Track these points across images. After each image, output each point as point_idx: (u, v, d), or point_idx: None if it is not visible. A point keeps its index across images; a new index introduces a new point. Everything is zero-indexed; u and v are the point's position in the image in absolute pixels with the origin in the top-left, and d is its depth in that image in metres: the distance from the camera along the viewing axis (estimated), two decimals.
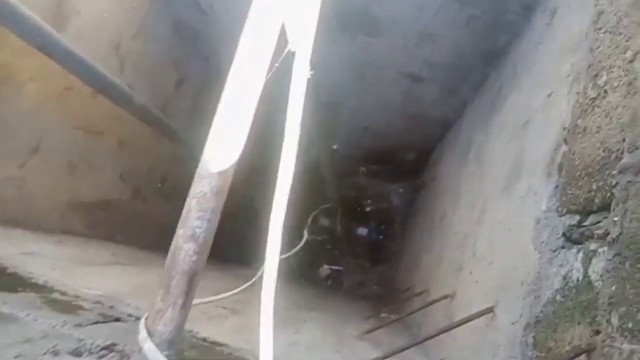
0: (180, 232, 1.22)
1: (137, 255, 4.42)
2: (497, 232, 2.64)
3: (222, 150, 1.22)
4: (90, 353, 1.51)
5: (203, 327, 2.26)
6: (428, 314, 3.87)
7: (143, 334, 1.17)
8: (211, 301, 2.16)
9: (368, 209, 9.08)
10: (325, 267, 9.44)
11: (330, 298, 6.71)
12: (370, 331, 3.66)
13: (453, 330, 2.60)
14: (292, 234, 5.82)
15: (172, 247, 1.22)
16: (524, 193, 2.32)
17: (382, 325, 3.87)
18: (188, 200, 1.23)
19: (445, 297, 3.34)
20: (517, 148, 2.73)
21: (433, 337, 2.59)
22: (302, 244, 4.19)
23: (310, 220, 5.79)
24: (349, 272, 9.14)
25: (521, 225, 2.22)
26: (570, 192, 1.80)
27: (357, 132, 6.99)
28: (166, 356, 1.17)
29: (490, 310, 2.29)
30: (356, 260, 9.23)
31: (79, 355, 1.43)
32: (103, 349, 1.55)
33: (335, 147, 5.67)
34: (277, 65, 1.31)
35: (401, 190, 8.54)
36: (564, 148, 1.99)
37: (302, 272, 8.23)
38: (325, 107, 5.36)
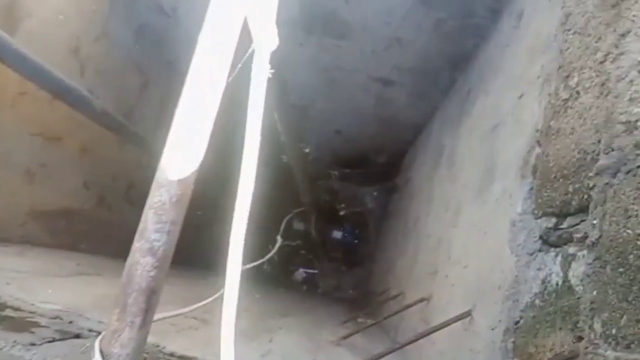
0: (136, 245, 1.12)
1: (103, 264, 4.24)
2: (471, 235, 2.61)
3: (181, 157, 1.12)
4: None
5: (170, 340, 2.14)
6: (404, 317, 3.83)
7: (97, 357, 1.06)
8: (174, 315, 2.04)
9: (342, 212, 9.04)
10: (300, 270, 9.34)
11: (305, 302, 6.63)
12: (346, 336, 3.60)
13: (431, 335, 2.56)
14: (265, 239, 5.71)
15: (127, 262, 1.12)
16: (498, 195, 2.29)
17: (358, 330, 3.81)
18: (145, 210, 1.12)
19: (421, 300, 3.30)
20: (488, 151, 2.72)
21: (411, 342, 2.55)
22: (275, 249, 4.10)
23: (283, 224, 5.70)
24: (324, 275, 9.08)
25: (496, 227, 2.19)
26: (545, 194, 1.77)
27: (329, 135, 6.95)
28: None
29: (467, 314, 2.25)
30: (331, 263, 9.18)
31: None
32: None
33: (306, 150, 5.60)
34: (239, 66, 1.22)
35: (374, 194, 8.54)
36: (537, 150, 1.97)
37: (276, 276, 8.12)
38: (294, 109, 5.29)
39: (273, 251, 4.05)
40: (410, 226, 5.05)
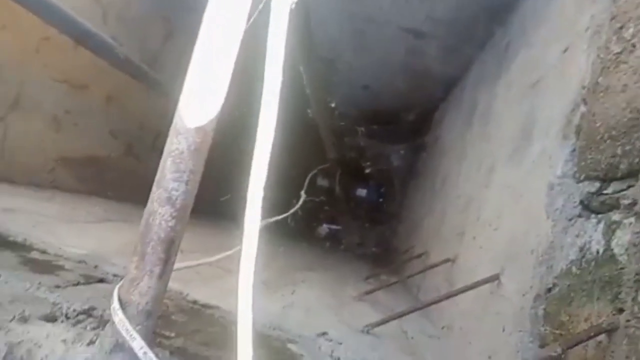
0: (154, 194, 1.07)
1: (131, 211, 4.30)
2: (504, 197, 2.50)
3: (199, 104, 1.05)
4: (66, 317, 1.39)
5: (194, 289, 2.16)
6: (427, 277, 3.80)
7: (115, 304, 1.04)
8: (197, 265, 2.04)
9: (367, 170, 8.94)
10: (324, 226, 9.40)
11: (328, 258, 6.68)
12: (369, 292, 3.60)
13: (456, 296, 2.51)
14: (289, 194, 5.70)
15: (145, 211, 1.08)
16: (536, 156, 2.16)
17: (381, 287, 3.81)
18: (162, 158, 1.07)
19: (447, 260, 3.25)
20: (527, 108, 2.56)
21: (436, 302, 2.51)
22: (299, 204, 4.08)
23: (307, 180, 5.66)
24: (348, 232, 9.11)
25: (532, 190, 2.08)
26: (589, 157, 1.64)
27: (356, 91, 6.75)
28: (141, 329, 1.04)
29: (495, 277, 2.18)
30: (355, 220, 9.19)
31: (52, 320, 1.31)
32: (80, 313, 1.44)
33: (332, 104, 5.46)
34: (259, 7, 1.12)
35: (402, 152, 8.38)
36: (582, 108, 1.82)
37: (300, 231, 8.19)
38: (321, 62, 5.12)
39: (297, 206, 4.02)
40: (438, 185, 4.93)
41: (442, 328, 2.80)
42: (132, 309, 1.08)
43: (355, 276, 5.07)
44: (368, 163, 8.94)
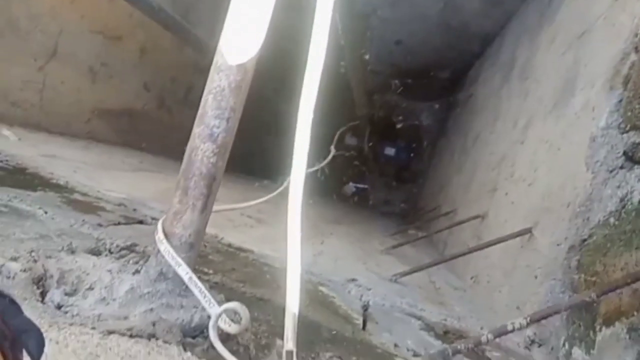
0: (196, 130, 1.09)
1: (164, 163, 4.41)
2: (541, 152, 2.45)
3: (240, 40, 1.05)
4: (109, 252, 1.47)
5: (228, 233, 2.23)
6: (454, 233, 3.80)
7: (160, 234, 1.08)
8: (235, 208, 2.10)
9: (397, 127, 8.82)
10: (351, 184, 9.42)
11: (356, 214, 6.74)
12: (396, 246, 3.64)
13: (484, 250, 2.52)
14: (318, 150, 5.70)
15: (188, 147, 1.11)
16: (579, 109, 2.09)
17: (408, 241, 3.84)
18: (204, 96, 1.08)
19: (476, 217, 3.23)
20: (570, 61, 2.45)
21: (465, 254, 2.52)
22: (328, 158, 4.08)
23: (337, 136, 5.63)
24: (375, 190, 9.12)
25: (572, 143, 2.02)
26: (637, 106, 1.58)
27: (389, 46, 6.57)
28: (185, 259, 1.09)
29: (527, 230, 2.17)
30: (382, 178, 9.16)
31: (97, 254, 1.39)
32: (123, 248, 1.51)
33: (366, 56, 5.33)
34: None
35: (433, 110, 8.21)
36: (633, 57, 1.73)
37: (328, 188, 8.24)
38: (356, 18, 4.97)
39: (326, 160, 4.03)
40: (469, 143, 4.85)
41: (471, 278, 2.82)
42: (176, 241, 1.12)
43: (382, 232, 5.12)
44: (398, 120, 8.81)
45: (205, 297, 0.94)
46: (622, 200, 1.50)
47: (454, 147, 5.90)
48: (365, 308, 1.85)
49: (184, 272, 0.98)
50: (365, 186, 9.28)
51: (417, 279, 2.69)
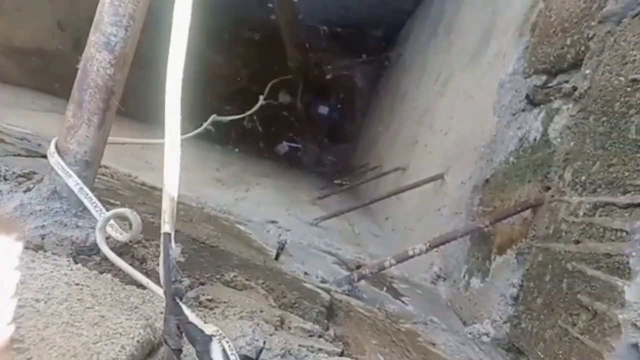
0: (92, 39, 1.02)
1: None
2: (457, 102, 2.55)
3: None
4: (4, 179, 1.36)
5: (144, 174, 2.15)
6: (379, 186, 3.92)
7: (52, 148, 1.01)
8: (138, 143, 2.01)
9: (330, 86, 8.82)
10: (284, 144, 9.37)
11: (286, 170, 6.74)
12: (321, 197, 3.70)
13: (402, 197, 2.62)
14: (251, 101, 5.58)
15: (83, 57, 1.03)
16: (492, 58, 2.18)
17: (333, 192, 3.91)
18: (100, 1, 1.00)
19: (397, 169, 3.34)
20: (490, 12, 2.54)
21: (381, 198, 2.61)
22: (256, 107, 4.01)
23: (268, 87, 5.53)
24: (307, 150, 9.14)
25: (484, 91, 2.12)
26: (540, 51, 1.67)
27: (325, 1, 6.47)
28: (80, 176, 1.03)
29: (439, 176, 2.27)
30: (315, 138, 9.19)
31: None
32: (20, 176, 1.41)
33: None
34: None
35: (366, 69, 8.26)
36: (541, 5, 1.82)
37: (260, 146, 8.15)
38: None
39: (254, 108, 3.96)
40: (397, 101, 4.95)
41: (387, 220, 2.93)
42: (70, 158, 1.05)
43: (311, 187, 5.17)
44: (331, 79, 8.79)
45: (95, 205, 0.90)
46: (520, 139, 1.60)
47: (384, 106, 6.01)
48: (282, 246, 1.87)
49: (74, 182, 0.93)
50: (299, 145, 9.27)
51: (338, 224, 2.76)
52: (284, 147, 9.46)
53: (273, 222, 2.21)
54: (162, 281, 0.71)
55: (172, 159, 0.72)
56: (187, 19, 0.90)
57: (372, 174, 4.11)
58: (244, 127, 6.12)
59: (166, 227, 0.69)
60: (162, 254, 0.70)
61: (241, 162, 5.05)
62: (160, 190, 1.98)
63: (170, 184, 0.73)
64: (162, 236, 0.70)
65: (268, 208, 2.64)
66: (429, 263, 2.05)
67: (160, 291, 0.73)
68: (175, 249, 0.78)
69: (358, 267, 1.87)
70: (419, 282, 1.95)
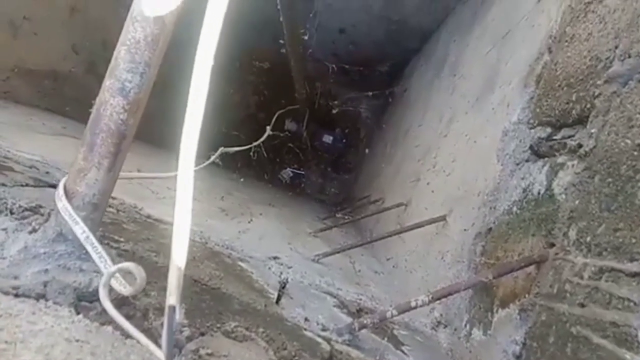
0: (106, 83, 1.04)
1: None
2: (460, 144, 2.57)
3: None
4: (10, 213, 1.36)
5: (150, 205, 2.15)
6: (381, 220, 3.91)
7: (60, 191, 1.02)
8: (147, 177, 2.02)
9: (336, 116, 8.92)
10: (288, 170, 9.43)
11: (290, 198, 6.74)
12: (323, 229, 3.69)
13: (403, 235, 2.61)
14: (257, 131, 5.62)
15: (97, 100, 1.05)
16: (496, 104, 2.21)
17: (335, 225, 3.90)
18: (117, 47, 1.03)
19: (400, 204, 3.34)
20: (494, 58, 2.58)
21: (382, 238, 2.60)
22: (263, 137, 4.05)
23: (275, 118, 5.59)
24: (311, 178, 9.19)
25: (488, 137, 2.14)
26: (545, 103, 1.69)
27: (332, 34, 6.60)
28: (87, 219, 1.03)
29: (442, 218, 2.27)
30: (319, 167, 9.25)
31: None
32: (26, 209, 1.41)
33: (305, 36, 5.31)
34: None
35: (371, 102, 8.36)
36: (546, 57, 1.85)
37: (264, 173, 8.19)
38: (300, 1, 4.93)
39: (261, 139, 4.00)
40: (400, 136, 4.99)
41: (389, 262, 2.92)
42: (78, 200, 1.06)
43: (312, 216, 5.17)
44: (337, 111, 8.89)
45: (100, 256, 0.90)
46: (524, 190, 1.61)
47: (387, 139, 6.05)
48: (283, 285, 1.86)
49: (80, 230, 0.94)
50: (302, 172, 9.32)
51: (339, 261, 2.74)
52: (287, 173, 9.52)
53: (275, 258, 2.20)
54: (163, 350, 0.70)
55: (181, 231, 0.72)
56: (208, 65, 0.88)
57: (374, 209, 4.11)
58: (250, 156, 6.17)
59: (171, 299, 0.69)
60: (165, 326, 0.70)
61: (246, 189, 5.05)
62: (167, 223, 1.99)
63: (179, 254, 0.73)
64: (166, 308, 0.70)
65: (270, 242, 2.63)
66: (430, 307, 2.02)
67: (161, 355, 0.72)
68: (179, 316, 0.77)
69: (359, 311, 1.86)
70: (420, 328, 1.93)
